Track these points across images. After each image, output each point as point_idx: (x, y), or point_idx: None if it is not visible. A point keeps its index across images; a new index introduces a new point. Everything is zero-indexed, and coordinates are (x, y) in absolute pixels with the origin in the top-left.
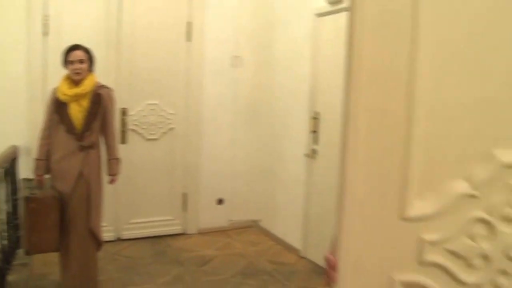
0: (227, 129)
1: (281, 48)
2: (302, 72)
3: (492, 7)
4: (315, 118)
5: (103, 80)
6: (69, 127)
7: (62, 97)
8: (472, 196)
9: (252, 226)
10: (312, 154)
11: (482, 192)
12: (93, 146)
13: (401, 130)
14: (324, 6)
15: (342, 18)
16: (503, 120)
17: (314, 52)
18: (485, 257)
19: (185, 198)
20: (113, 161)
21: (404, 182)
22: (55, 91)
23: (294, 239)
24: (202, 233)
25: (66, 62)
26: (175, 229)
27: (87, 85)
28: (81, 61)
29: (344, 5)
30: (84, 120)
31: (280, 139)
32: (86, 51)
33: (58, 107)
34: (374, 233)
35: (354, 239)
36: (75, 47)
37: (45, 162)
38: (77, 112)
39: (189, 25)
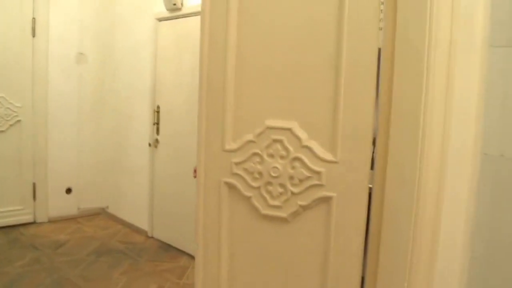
0: (73, 122)
1: (124, 48)
2: (144, 70)
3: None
4: (157, 112)
5: None
6: None
7: None
8: (253, 141)
9: (101, 213)
10: (154, 143)
11: (257, 139)
12: None
13: (220, 98)
14: (164, 11)
15: (180, 24)
16: (272, 98)
17: (154, 52)
18: (260, 173)
19: (34, 188)
20: None
21: (224, 131)
22: None
23: (141, 221)
24: (53, 221)
25: None
26: (26, 218)
27: None
28: None
29: (181, 12)
30: None
31: (125, 131)
32: None
33: None
34: (212, 156)
35: (202, 160)
36: None
37: None
38: None
39: (33, 21)
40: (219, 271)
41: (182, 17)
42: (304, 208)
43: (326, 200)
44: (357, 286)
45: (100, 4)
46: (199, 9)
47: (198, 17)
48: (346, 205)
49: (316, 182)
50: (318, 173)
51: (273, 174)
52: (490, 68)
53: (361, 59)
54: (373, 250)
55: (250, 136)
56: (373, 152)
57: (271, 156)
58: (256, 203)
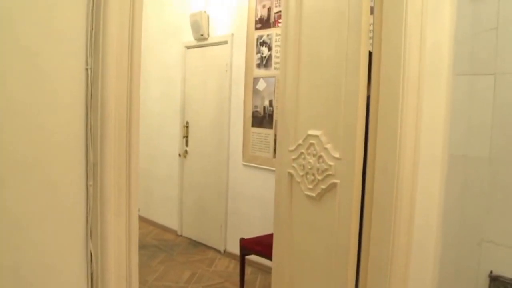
0: None
1: (155, 70)
2: (174, 91)
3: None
4: (186, 127)
5: None
6: None
7: None
8: (301, 144)
9: None
10: (184, 154)
11: (303, 143)
12: None
13: (288, 117)
14: (192, 40)
15: (206, 51)
16: (311, 116)
17: (183, 76)
18: (303, 166)
19: None
20: None
21: (289, 136)
22: None
23: (171, 222)
24: None
25: None
26: None
27: None
28: None
29: (207, 41)
30: None
31: (156, 143)
32: None
33: None
34: (282, 154)
35: (278, 156)
36: None
37: None
38: None
39: None
40: (284, 235)
41: (208, 46)
42: (324, 190)
43: (335, 185)
44: (355, 244)
45: None
46: (222, 39)
47: (222, 46)
48: (346, 189)
49: (330, 172)
50: (331, 166)
51: (309, 167)
52: (455, 91)
53: (353, 96)
54: (367, 222)
55: (300, 141)
56: (366, 153)
57: (309, 154)
58: (302, 186)
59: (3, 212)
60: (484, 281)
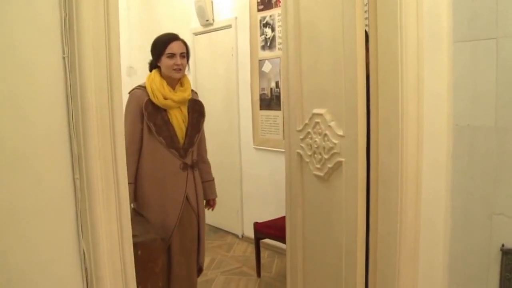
0: None
1: None
2: None
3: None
4: None
5: None
6: (171, 140)
7: (162, 102)
8: (307, 124)
9: None
10: None
11: (309, 122)
12: (195, 165)
13: (295, 98)
14: (199, 26)
15: (212, 37)
16: (315, 95)
17: (194, 62)
18: (310, 146)
19: None
20: (212, 182)
21: (296, 117)
22: (142, 93)
23: None
24: None
25: (162, 54)
26: None
27: (188, 88)
28: (182, 55)
29: (213, 26)
30: (187, 133)
31: None
32: (185, 43)
33: (152, 115)
34: (291, 134)
35: (288, 136)
36: (175, 37)
37: (132, 186)
38: (180, 122)
39: None
40: (296, 216)
41: (214, 31)
42: (332, 169)
43: (340, 163)
44: (362, 222)
45: (143, 21)
46: (227, 23)
47: (226, 30)
48: (351, 167)
49: (336, 150)
50: (336, 144)
51: (315, 146)
52: (456, 59)
53: (352, 71)
54: (373, 199)
55: (306, 120)
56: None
57: (315, 133)
58: (311, 166)
59: None
60: (496, 255)
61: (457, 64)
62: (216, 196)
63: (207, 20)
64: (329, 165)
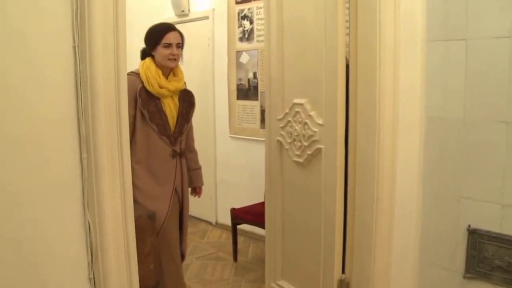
0: None
1: (138, 48)
2: None
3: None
4: None
5: None
6: (164, 128)
7: (157, 91)
8: (288, 113)
9: None
10: None
11: (290, 111)
12: (183, 154)
13: (276, 88)
14: (173, 17)
15: (187, 27)
16: (296, 85)
17: None
18: (290, 134)
19: None
20: (199, 170)
21: (276, 106)
22: (135, 79)
23: None
24: None
25: (158, 44)
26: None
27: (182, 78)
28: (178, 46)
29: (188, 17)
30: (178, 122)
31: None
32: (181, 33)
33: (146, 102)
34: (272, 123)
35: (268, 125)
36: (172, 27)
37: None
38: (172, 111)
39: None
40: (276, 201)
41: (189, 22)
42: (311, 156)
43: (320, 150)
44: (340, 208)
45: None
46: (204, 15)
47: (203, 22)
48: (330, 154)
49: (315, 138)
50: (315, 132)
51: (295, 134)
52: (429, 57)
53: (333, 64)
54: (351, 186)
55: (286, 109)
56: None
57: (295, 122)
58: (291, 153)
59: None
60: (463, 235)
61: (430, 61)
62: (202, 184)
63: (183, 11)
64: (309, 152)
